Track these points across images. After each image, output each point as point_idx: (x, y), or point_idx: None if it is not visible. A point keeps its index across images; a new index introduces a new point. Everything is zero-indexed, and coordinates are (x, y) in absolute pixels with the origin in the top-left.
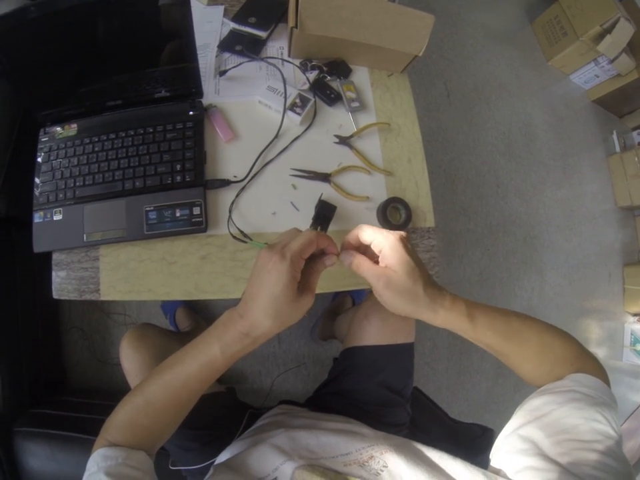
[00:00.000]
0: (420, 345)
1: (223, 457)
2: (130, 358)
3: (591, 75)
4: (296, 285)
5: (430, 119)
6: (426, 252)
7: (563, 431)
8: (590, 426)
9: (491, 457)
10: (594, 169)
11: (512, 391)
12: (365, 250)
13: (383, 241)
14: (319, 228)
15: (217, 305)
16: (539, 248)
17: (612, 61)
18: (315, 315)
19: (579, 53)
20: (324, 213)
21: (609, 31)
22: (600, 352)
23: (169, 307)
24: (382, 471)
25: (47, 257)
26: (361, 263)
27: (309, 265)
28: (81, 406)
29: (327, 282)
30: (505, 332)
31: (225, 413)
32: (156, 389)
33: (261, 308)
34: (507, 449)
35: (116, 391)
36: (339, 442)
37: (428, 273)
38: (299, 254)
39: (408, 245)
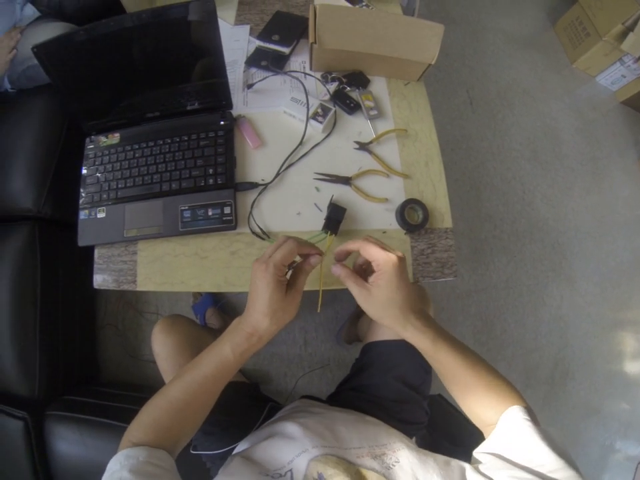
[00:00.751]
0: None
1: (241, 447)
2: (161, 342)
3: (617, 76)
4: (283, 287)
5: (453, 127)
6: (444, 251)
7: None
8: None
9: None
10: (625, 173)
11: (541, 404)
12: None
13: (382, 263)
14: (329, 233)
15: (244, 306)
16: (568, 255)
17: (638, 60)
18: (341, 319)
19: (603, 53)
20: (334, 216)
21: (631, 28)
22: (634, 367)
23: (200, 308)
24: (394, 465)
25: (87, 257)
26: (348, 277)
27: (297, 267)
28: (111, 395)
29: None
30: (462, 361)
31: (247, 402)
32: (177, 390)
33: (259, 310)
34: None
35: (146, 385)
36: (352, 436)
37: (411, 296)
38: (280, 263)
39: (403, 266)
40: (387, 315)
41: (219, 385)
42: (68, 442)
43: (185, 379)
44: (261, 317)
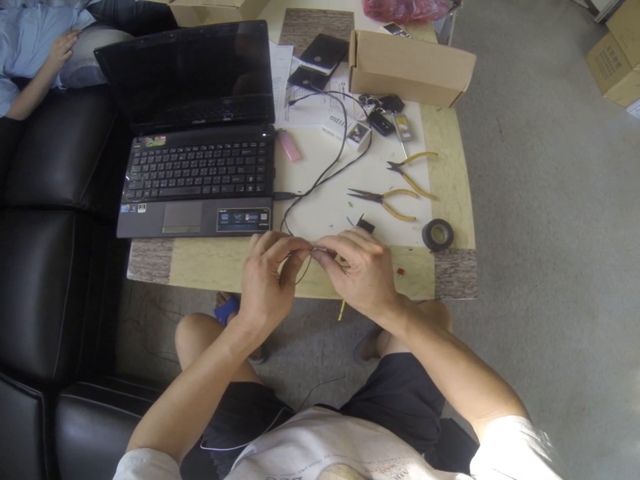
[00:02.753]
0: None
1: (249, 449)
2: (184, 336)
3: None
4: (277, 282)
5: (482, 154)
6: (466, 272)
7: None
8: None
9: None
10: None
11: (554, 438)
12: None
13: (356, 264)
14: None
15: None
16: (591, 288)
17: None
18: (360, 335)
19: (634, 83)
20: None
21: None
22: None
23: (223, 312)
24: (402, 476)
25: (118, 251)
26: (328, 264)
27: (287, 263)
28: (125, 386)
29: None
30: (437, 351)
31: (261, 404)
32: (179, 392)
33: (256, 307)
34: None
35: (160, 381)
36: (362, 451)
37: (386, 289)
38: (274, 259)
39: (378, 263)
40: (359, 307)
41: (220, 385)
42: (77, 426)
43: (186, 380)
44: (258, 314)
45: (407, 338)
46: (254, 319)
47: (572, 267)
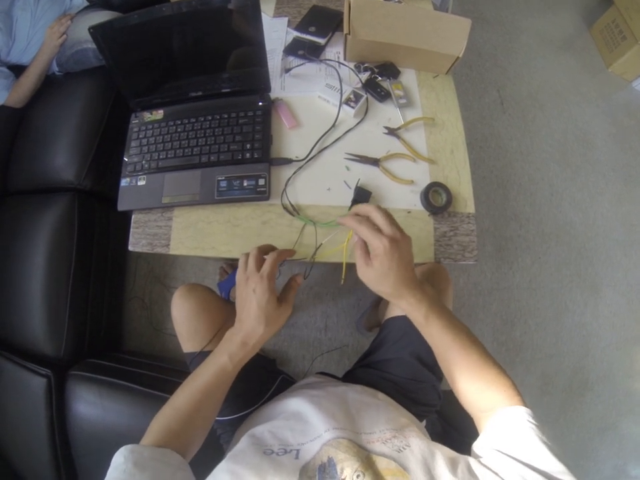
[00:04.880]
0: None
1: (251, 420)
2: (179, 306)
3: None
4: (276, 297)
5: (483, 126)
6: (465, 235)
7: None
8: None
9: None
10: None
11: (557, 412)
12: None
13: (374, 247)
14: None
15: None
16: (595, 262)
17: None
18: (363, 307)
19: (639, 57)
20: (360, 199)
21: None
22: None
23: (226, 285)
24: (404, 449)
25: (121, 228)
26: (358, 246)
27: (287, 284)
28: (132, 362)
29: None
30: (452, 341)
31: (260, 372)
32: (182, 398)
33: (255, 317)
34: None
35: (166, 357)
36: (364, 421)
37: (407, 274)
38: (272, 273)
39: (396, 247)
40: (380, 291)
41: (220, 392)
42: (87, 402)
43: (189, 388)
44: (256, 324)
45: (425, 325)
46: (252, 329)
47: (575, 240)
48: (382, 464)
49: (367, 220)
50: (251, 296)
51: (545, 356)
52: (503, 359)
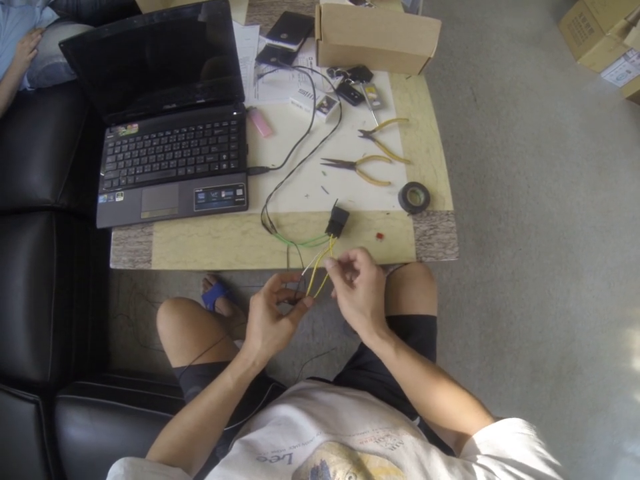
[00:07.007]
0: (451, 342)
1: (244, 430)
2: (164, 321)
3: (622, 71)
4: (273, 312)
5: (458, 123)
6: (445, 233)
7: None
8: None
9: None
10: (632, 169)
11: (548, 398)
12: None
13: (367, 268)
14: (332, 235)
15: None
16: (575, 249)
17: None
18: None
19: (607, 49)
20: (337, 219)
21: (634, 23)
22: None
23: (210, 297)
24: (397, 446)
25: (101, 246)
26: (336, 272)
27: (296, 306)
28: (121, 381)
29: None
30: (423, 370)
31: (252, 382)
32: (187, 415)
33: (253, 332)
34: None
35: (156, 373)
36: (355, 422)
37: (380, 310)
38: (269, 290)
39: (382, 278)
40: (358, 318)
41: (224, 410)
42: (78, 425)
43: (195, 406)
44: (255, 338)
45: (395, 357)
46: (251, 346)
47: (554, 230)
48: (375, 463)
49: (366, 249)
50: (250, 313)
51: (533, 344)
52: (491, 351)
